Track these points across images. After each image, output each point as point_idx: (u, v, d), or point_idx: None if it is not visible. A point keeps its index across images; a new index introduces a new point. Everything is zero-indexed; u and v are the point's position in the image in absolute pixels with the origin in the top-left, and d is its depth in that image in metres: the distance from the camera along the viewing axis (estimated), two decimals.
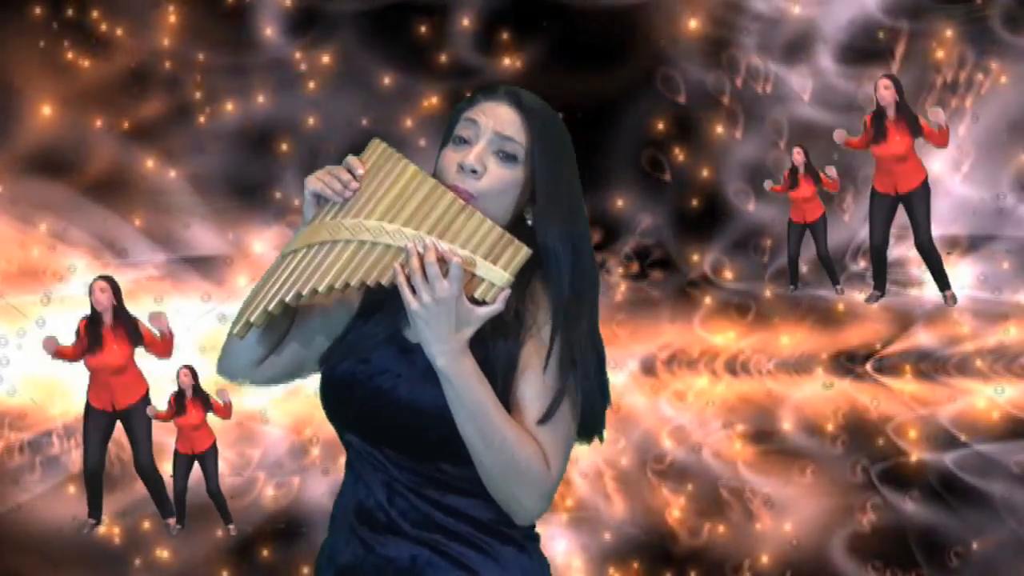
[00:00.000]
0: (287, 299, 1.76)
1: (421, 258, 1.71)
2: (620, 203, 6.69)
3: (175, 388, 5.52)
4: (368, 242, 1.75)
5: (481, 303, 1.73)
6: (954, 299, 6.27)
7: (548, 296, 1.80)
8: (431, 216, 1.75)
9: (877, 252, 6.36)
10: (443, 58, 6.37)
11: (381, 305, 1.86)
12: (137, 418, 5.53)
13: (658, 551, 5.74)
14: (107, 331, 5.42)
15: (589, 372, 1.78)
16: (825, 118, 6.67)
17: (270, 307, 1.77)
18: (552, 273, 1.79)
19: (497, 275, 1.72)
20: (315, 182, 1.78)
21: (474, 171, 1.79)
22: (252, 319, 1.77)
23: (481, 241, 1.74)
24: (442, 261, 1.71)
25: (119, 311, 5.43)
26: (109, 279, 5.46)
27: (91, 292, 5.40)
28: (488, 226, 1.74)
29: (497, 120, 1.82)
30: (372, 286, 1.75)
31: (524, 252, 1.74)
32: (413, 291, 1.71)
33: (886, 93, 5.99)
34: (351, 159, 1.79)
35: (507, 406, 1.75)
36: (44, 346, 5.36)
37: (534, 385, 1.76)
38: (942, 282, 6.29)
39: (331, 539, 1.86)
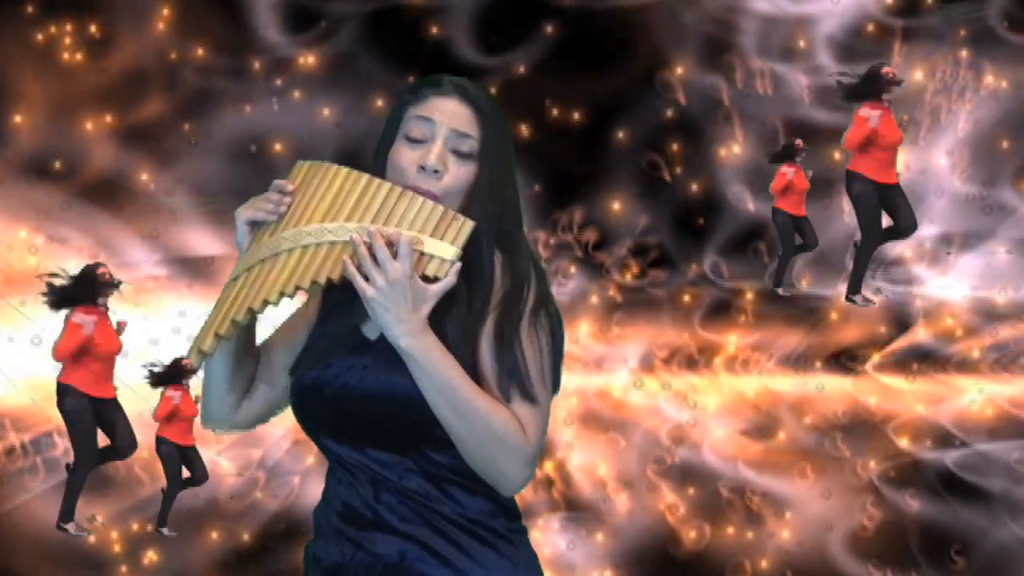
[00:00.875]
0: (238, 319, 1.77)
1: (368, 245, 1.72)
2: (619, 203, 6.69)
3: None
4: (312, 244, 1.76)
5: (433, 280, 1.74)
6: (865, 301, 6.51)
7: (504, 272, 1.82)
8: (371, 207, 1.76)
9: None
10: (442, 59, 6.37)
11: (336, 312, 1.88)
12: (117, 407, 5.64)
13: (658, 551, 5.74)
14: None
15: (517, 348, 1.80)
16: (825, 118, 6.68)
17: (220, 331, 1.77)
18: (475, 259, 1.80)
19: (445, 250, 1.74)
20: (245, 211, 1.80)
21: (436, 171, 1.79)
22: (204, 347, 1.77)
23: (426, 221, 1.75)
24: (390, 244, 1.72)
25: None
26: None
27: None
28: (430, 206, 1.75)
29: (451, 117, 1.82)
30: (323, 285, 1.76)
31: (469, 225, 1.75)
32: (366, 279, 1.72)
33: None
34: (278, 182, 1.81)
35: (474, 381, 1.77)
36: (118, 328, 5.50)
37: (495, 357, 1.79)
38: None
39: (317, 542, 1.87)
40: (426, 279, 1.74)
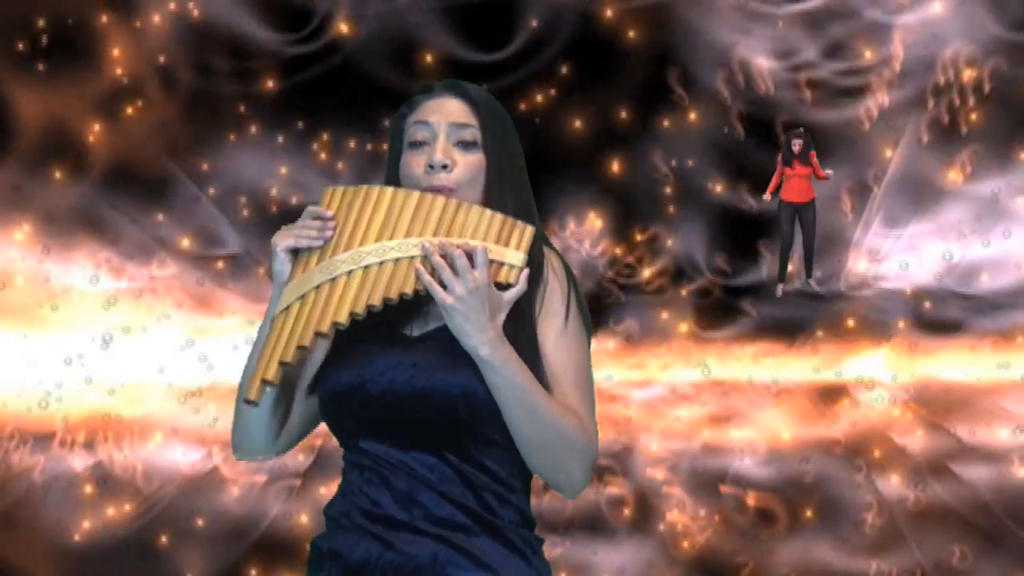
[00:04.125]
0: (304, 343, 1.73)
1: (443, 255, 1.72)
2: (622, 204, 6.70)
3: None
4: (374, 264, 1.74)
5: (505, 287, 1.74)
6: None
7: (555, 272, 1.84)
8: (430, 222, 1.75)
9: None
10: (452, 70, 6.40)
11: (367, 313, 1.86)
12: None
13: (659, 552, 5.75)
14: None
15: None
16: (826, 118, 6.68)
17: (286, 358, 1.73)
18: None
19: (513, 257, 1.74)
20: (285, 239, 1.77)
21: (445, 166, 1.81)
22: (268, 376, 1.73)
23: (488, 230, 1.75)
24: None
25: None
26: None
27: None
28: (489, 214, 1.76)
29: (447, 113, 1.84)
30: (395, 300, 1.74)
31: (530, 230, 1.76)
32: (444, 287, 1.71)
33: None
34: (314, 208, 1.78)
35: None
36: None
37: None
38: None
39: (334, 538, 1.84)
40: (498, 286, 1.74)
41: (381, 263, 1.73)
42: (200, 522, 5.73)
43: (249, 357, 1.82)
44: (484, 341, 1.71)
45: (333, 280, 1.74)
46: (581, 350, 1.83)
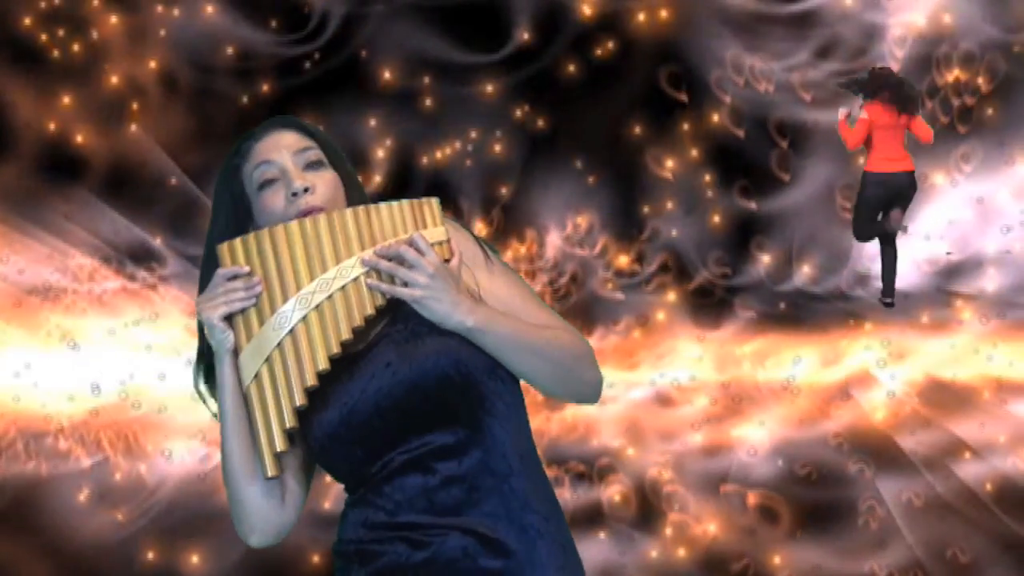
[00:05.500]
0: (297, 402, 1.71)
1: (387, 258, 1.75)
2: (620, 203, 6.70)
3: None
4: (323, 300, 1.72)
5: (446, 262, 1.79)
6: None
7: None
8: (351, 237, 1.75)
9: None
10: (450, 71, 6.40)
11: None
12: None
13: (659, 551, 5.75)
14: None
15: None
16: (825, 118, 6.69)
17: (287, 425, 1.71)
18: None
19: (436, 233, 1.79)
20: (215, 308, 1.74)
21: (306, 189, 1.83)
22: (279, 447, 1.71)
23: (403, 220, 1.78)
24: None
25: None
26: None
27: None
28: (396, 206, 1.78)
29: (285, 145, 1.87)
30: (363, 326, 1.75)
31: (435, 201, 1.81)
32: (405, 285, 1.75)
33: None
34: (222, 271, 1.76)
35: None
36: None
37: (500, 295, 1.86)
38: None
39: (364, 544, 1.83)
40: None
41: (330, 297, 1.72)
42: (200, 522, 5.72)
43: (224, 437, 1.79)
44: (465, 313, 1.75)
45: (291, 332, 1.71)
46: (512, 274, 1.89)
